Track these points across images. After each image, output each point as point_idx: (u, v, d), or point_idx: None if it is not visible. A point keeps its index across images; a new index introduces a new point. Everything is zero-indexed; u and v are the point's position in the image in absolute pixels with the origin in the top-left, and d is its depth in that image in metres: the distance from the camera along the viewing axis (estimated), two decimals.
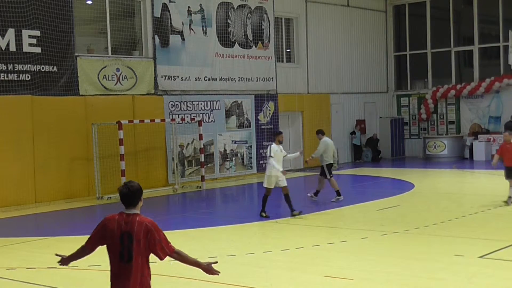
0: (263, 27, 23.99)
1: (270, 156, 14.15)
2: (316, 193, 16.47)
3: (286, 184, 14.17)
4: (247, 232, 12.79)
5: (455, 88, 28.27)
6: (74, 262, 5.78)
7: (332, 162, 16.54)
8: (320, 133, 16.88)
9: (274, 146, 14.32)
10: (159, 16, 20.59)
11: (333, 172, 16.66)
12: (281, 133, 15.00)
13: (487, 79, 27.56)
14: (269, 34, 24.19)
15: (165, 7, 20.72)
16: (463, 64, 29.95)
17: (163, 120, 19.89)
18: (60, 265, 5.71)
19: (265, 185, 14.19)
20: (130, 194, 5.24)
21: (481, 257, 9.81)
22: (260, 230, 13.07)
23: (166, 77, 20.78)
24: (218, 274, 5.36)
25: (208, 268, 5.32)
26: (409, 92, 30.13)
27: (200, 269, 5.33)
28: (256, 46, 23.73)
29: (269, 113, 24.23)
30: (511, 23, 27.33)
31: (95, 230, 5.45)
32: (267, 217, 13.88)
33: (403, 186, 19.25)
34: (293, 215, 13.86)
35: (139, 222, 5.14)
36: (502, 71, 27.53)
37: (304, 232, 12.59)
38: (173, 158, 20.55)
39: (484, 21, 28.89)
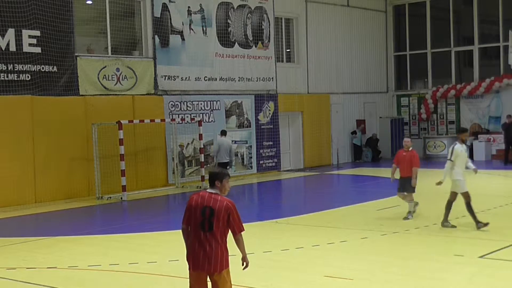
0: (263, 27, 23.99)
1: (449, 159, 12.34)
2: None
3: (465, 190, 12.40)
4: (247, 232, 12.76)
5: (455, 88, 28.27)
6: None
7: (225, 161, 18.28)
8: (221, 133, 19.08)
9: (458, 147, 12.31)
10: (159, 16, 20.59)
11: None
12: (466, 130, 13.04)
13: (487, 79, 27.56)
14: (269, 34, 24.19)
15: (165, 7, 20.72)
16: (463, 64, 29.95)
17: (163, 120, 19.89)
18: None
19: (456, 190, 12.48)
20: (213, 176, 6.26)
21: (481, 257, 9.81)
22: (260, 230, 13.07)
23: (166, 77, 20.79)
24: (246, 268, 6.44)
25: (246, 262, 6.40)
26: (409, 92, 30.12)
27: (241, 257, 6.37)
28: (256, 46, 23.73)
29: (269, 113, 24.23)
30: (511, 23, 27.32)
31: (185, 210, 6.31)
32: (454, 227, 12.24)
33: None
34: (478, 228, 12.02)
35: (220, 200, 6.13)
36: (502, 71, 27.52)
37: (304, 232, 12.59)
38: (173, 158, 20.55)
39: (484, 21, 28.88)
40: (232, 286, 6.37)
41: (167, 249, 11.00)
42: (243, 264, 6.40)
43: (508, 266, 9.41)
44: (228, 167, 19.08)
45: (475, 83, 27.90)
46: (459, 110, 28.60)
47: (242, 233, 6.29)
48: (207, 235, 6.10)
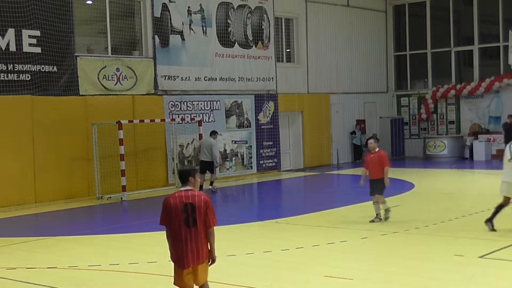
0: (263, 27, 23.99)
1: (511, 159, 11.61)
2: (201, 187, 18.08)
3: None
4: (247, 232, 12.79)
5: (455, 88, 28.27)
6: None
7: (204, 159, 18.70)
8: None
9: None
10: (159, 16, 20.59)
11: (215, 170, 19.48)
12: None
13: (487, 79, 27.56)
14: (269, 34, 24.20)
15: (165, 7, 20.72)
16: (463, 64, 29.94)
17: (163, 120, 19.89)
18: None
19: (503, 193, 11.85)
20: (186, 173, 6.57)
21: (481, 257, 9.81)
22: (260, 230, 13.07)
23: (166, 77, 20.79)
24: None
25: (214, 259, 6.71)
26: (409, 92, 30.13)
27: (209, 254, 6.68)
28: (256, 46, 23.73)
29: (269, 113, 24.23)
30: (511, 23, 27.33)
31: (161, 212, 6.56)
32: (493, 230, 11.67)
33: (403, 186, 19.24)
34: (485, 223, 11.84)
35: (198, 195, 6.47)
36: (502, 71, 27.52)
37: (304, 232, 12.58)
38: (173, 158, 20.55)
39: (484, 21, 28.88)
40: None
41: (167, 249, 10.99)
42: (209, 260, 6.69)
43: (508, 266, 9.41)
44: (215, 166, 19.53)
45: (475, 83, 27.90)
46: (459, 110, 28.60)
47: (214, 226, 6.63)
48: (192, 231, 6.44)
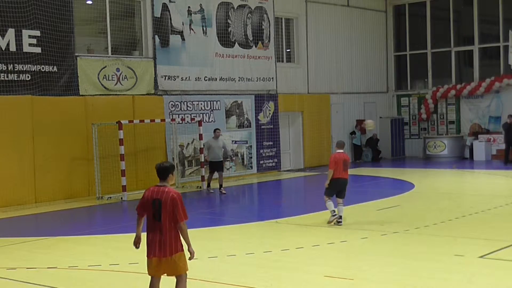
0: (263, 27, 23.99)
1: None
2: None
3: None
4: (247, 232, 12.79)
5: (455, 88, 28.27)
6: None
7: (214, 160, 18.80)
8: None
9: None
10: (159, 16, 20.60)
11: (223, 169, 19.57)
12: None
13: (487, 79, 27.56)
14: (269, 34, 24.20)
15: (165, 7, 20.72)
16: (463, 64, 29.94)
17: (163, 120, 19.89)
18: (137, 245, 7.29)
19: None
20: (161, 170, 6.97)
21: (481, 257, 9.81)
22: (260, 230, 13.07)
23: (166, 77, 20.79)
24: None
25: (191, 253, 7.05)
26: (409, 92, 30.13)
27: (187, 249, 7.02)
28: (256, 46, 23.74)
29: (269, 113, 24.24)
30: (511, 23, 27.33)
31: (140, 200, 7.14)
32: None
33: (403, 186, 19.26)
34: None
35: (167, 191, 6.87)
36: (502, 71, 27.52)
37: (304, 232, 12.59)
38: (173, 158, 20.54)
39: (484, 21, 28.87)
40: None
41: None
42: (192, 257, 7.10)
43: (508, 266, 9.41)
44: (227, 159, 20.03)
45: (475, 83, 27.90)
46: (459, 110, 28.60)
47: (185, 222, 6.93)
48: (157, 224, 6.89)
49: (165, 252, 6.87)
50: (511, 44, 26.76)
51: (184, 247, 7.02)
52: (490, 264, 9.48)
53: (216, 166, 18.92)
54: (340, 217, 12.87)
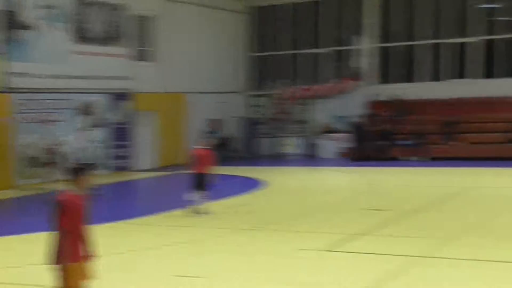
0: (120, 24, 23.74)
1: None
2: None
3: None
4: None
5: (306, 89, 29.59)
6: None
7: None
8: None
9: None
10: (10, 10, 19.77)
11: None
12: None
13: (336, 81, 29.21)
14: (126, 32, 23.97)
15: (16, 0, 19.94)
16: (312, 66, 31.20)
17: (10, 118, 19.10)
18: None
19: None
20: (74, 171, 6.60)
21: (328, 250, 10.41)
22: (107, 231, 13.04)
23: (17, 74, 19.99)
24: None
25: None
26: (262, 93, 31.01)
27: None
28: (112, 44, 23.44)
29: (124, 113, 24.00)
30: (358, 29, 29.15)
31: None
32: None
33: (252, 184, 19.79)
34: None
35: (64, 197, 6.52)
36: (348, 73, 29.28)
37: (146, 232, 12.67)
38: (19, 158, 19.73)
39: (334, 25, 30.35)
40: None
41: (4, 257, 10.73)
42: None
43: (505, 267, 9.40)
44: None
45: (324, 85, 29.39)
46: (310, 111, 29.87)
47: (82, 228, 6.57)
48: (59, 227, 6.54)
49: (55, 260, 6.47)
50: (355, 48, 28.63)
51: None
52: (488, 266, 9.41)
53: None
54: (200, 208, 13.76)
